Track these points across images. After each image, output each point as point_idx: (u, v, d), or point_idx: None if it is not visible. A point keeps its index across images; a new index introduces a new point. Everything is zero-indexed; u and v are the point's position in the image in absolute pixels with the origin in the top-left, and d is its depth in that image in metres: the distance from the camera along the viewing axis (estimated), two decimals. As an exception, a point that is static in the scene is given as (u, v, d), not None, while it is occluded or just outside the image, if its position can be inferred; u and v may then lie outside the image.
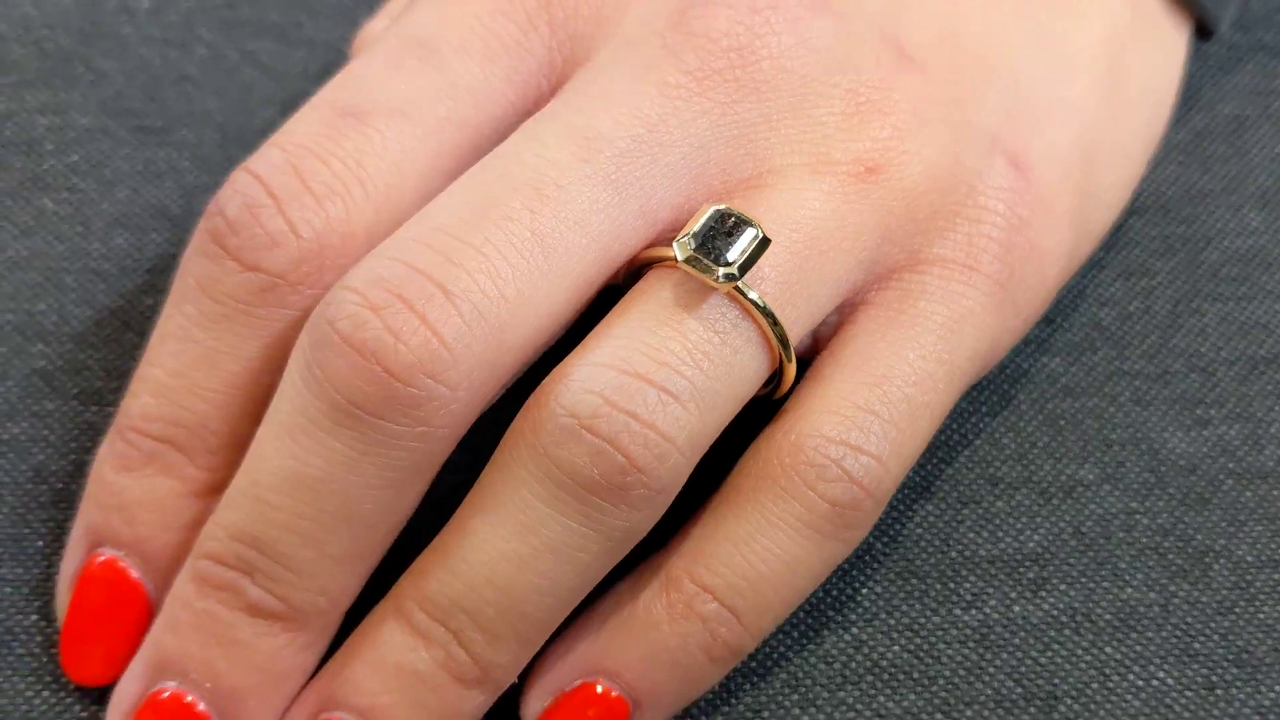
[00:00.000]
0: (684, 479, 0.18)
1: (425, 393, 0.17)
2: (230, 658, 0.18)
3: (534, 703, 0.19)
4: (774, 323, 0.18)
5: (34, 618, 0.20)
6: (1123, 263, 0.25)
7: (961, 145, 0.20)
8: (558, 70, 0.20)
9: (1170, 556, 0.22)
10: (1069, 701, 0.21)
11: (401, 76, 0.19)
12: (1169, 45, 0.24)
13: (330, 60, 0.27)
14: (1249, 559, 0.22)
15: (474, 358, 0.17)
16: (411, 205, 0.19)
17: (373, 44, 0.20)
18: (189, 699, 0.18)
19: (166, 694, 0.18)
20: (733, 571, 0.19)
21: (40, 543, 0.21)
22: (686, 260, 0.17)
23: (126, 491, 0.19)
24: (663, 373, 0.17)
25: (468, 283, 0.17)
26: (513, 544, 0.18)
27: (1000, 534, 0.22)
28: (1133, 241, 0.26)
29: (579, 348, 0.18)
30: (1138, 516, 0.23)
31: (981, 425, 0.23)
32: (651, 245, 0.19)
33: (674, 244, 0.18)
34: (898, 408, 0.19)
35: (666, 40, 0.19)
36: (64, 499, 0.21)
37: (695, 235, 0.18)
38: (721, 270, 0.17)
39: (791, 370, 0.19)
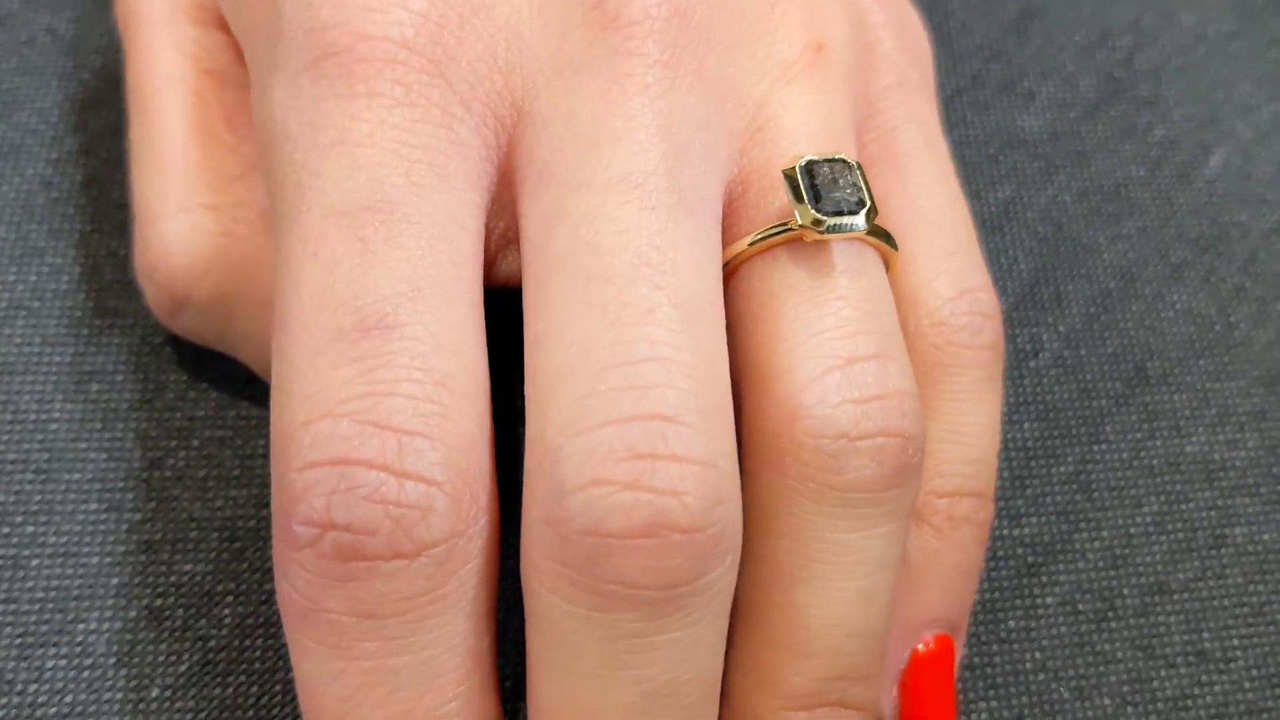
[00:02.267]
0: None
1: (722, 522, 0.15)
2: None
3: (884, 699, 0.19)
4: (877, 229, 0.17)
5: None
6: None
7: (841, -16, 0.20)
8: (493, 147, 0.17)
9: (1101, 206, 0.25)
10: (1151, 362, 0.23)
11: (382, 255, 0.15)
12: None
13: (63, 310, 0.21)
14: (1142, 173, 0.25)
15: (728, 457, 0.15)
16: (481, 356, 0.16)
17: (300, 245, 0.16)
18: None
19: None
20: (961, 461, 0.19)
21: None
22: (829, 229, 0.16)
23: None
24: (862, 342, 0.16)
25: (676, 395, 0.15)
26: (849, 587, 0.16)
27: (1003, 281, 0.24)
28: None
29: (767, 375, 0.16)
30: (1061, 196, 0.25)
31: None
32: (726, 244, 0.17)
33: (802, 223, 0.16)
34: (963, 234, 0.19)
35: (611, 45, 0.16)
36: None
37: (811, 202, 0.16)
38: (864, 214, 0.16)
39: (898, 255, 0.18)
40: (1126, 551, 0.21)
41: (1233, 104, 0.26)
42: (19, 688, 0.18)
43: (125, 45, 0.20)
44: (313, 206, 0.16)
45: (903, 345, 0.17)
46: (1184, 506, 0.22)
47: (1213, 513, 0.22)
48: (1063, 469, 0.22)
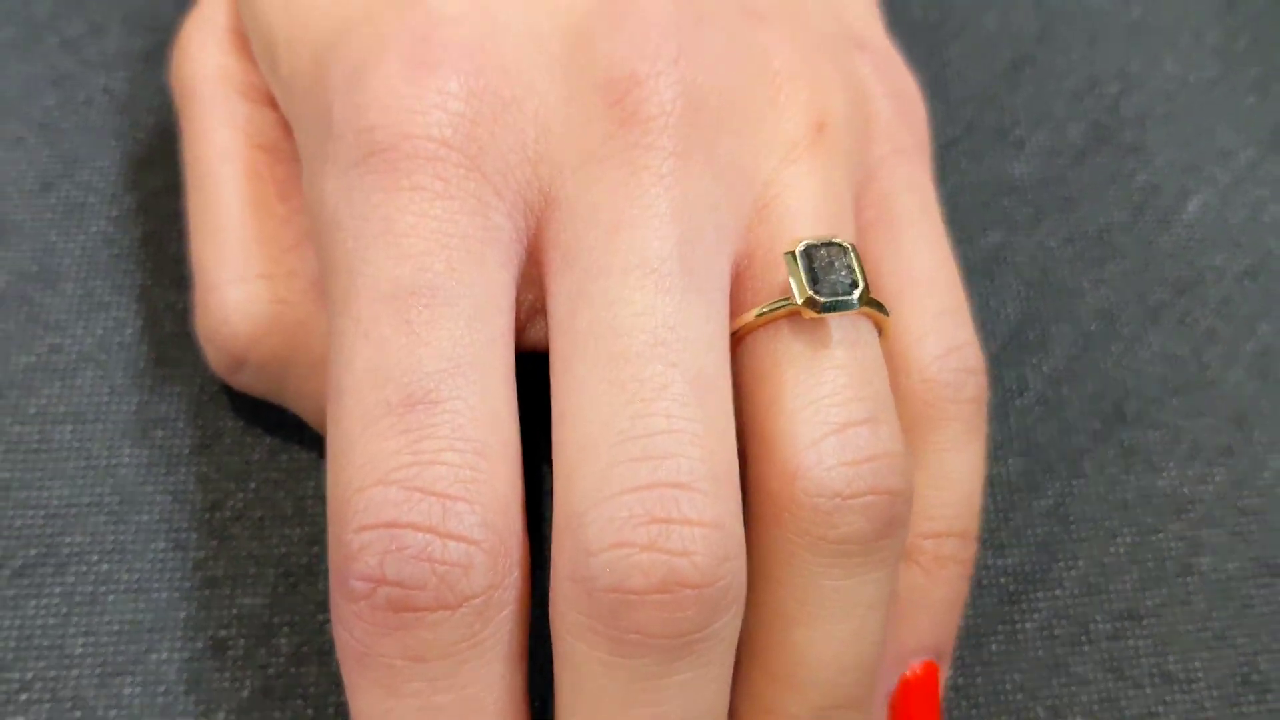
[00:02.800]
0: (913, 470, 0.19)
1: (730, 575, 0.17)
2: None
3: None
4: (870, 300, 0.19)
5: None
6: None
7: (837, 59, 0.21)
8: (524, 230, 0.19)
9: (1090, 254, 0.26)
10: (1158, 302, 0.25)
11: (424, 336, 0.17)
12: None
13: (127, 362, 0.23)
14: (1125, 218, 0.27)
15: (734, 518, 0.17)
16: (517, 433, 0.18)
17: (353, 326, 0.17)
18: None
19: None
20: (947, 507, 0.20)
21: None
22: (823, 308, 0.18)
23: None
24: (855, 409, 0.18)
25: (688, 464, 0.17)
26: (842, 627, 0.18)
27: (991, 325, 0.25)
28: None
29: (769, 439, 0.18)
30: (1048, 242, 0.26)
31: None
32: (733, 314, 0.19)
33: (800, 303, 0.18)
34: (951, 295, 0.21)
35: (629, 139, 0.18)
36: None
37: (809, 283, 0.18)
38: (857, 295, 0.18)
39: (890, 323, 0.20)
40: (1100, 580, 0.23)
41: (1212, 149, 0.28)
42: (99, 713, 0.20)
43: (181, 117, 0.22)
44: (363, 291, 0.18)
45: (893, 408, 0.19)
46: (1155, 538, 0.24)
47: (1181, 544, 0.23)
48: (1043, 503, 0.24)
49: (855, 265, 0.19)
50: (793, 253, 0.18)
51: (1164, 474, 0.24)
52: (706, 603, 0.17)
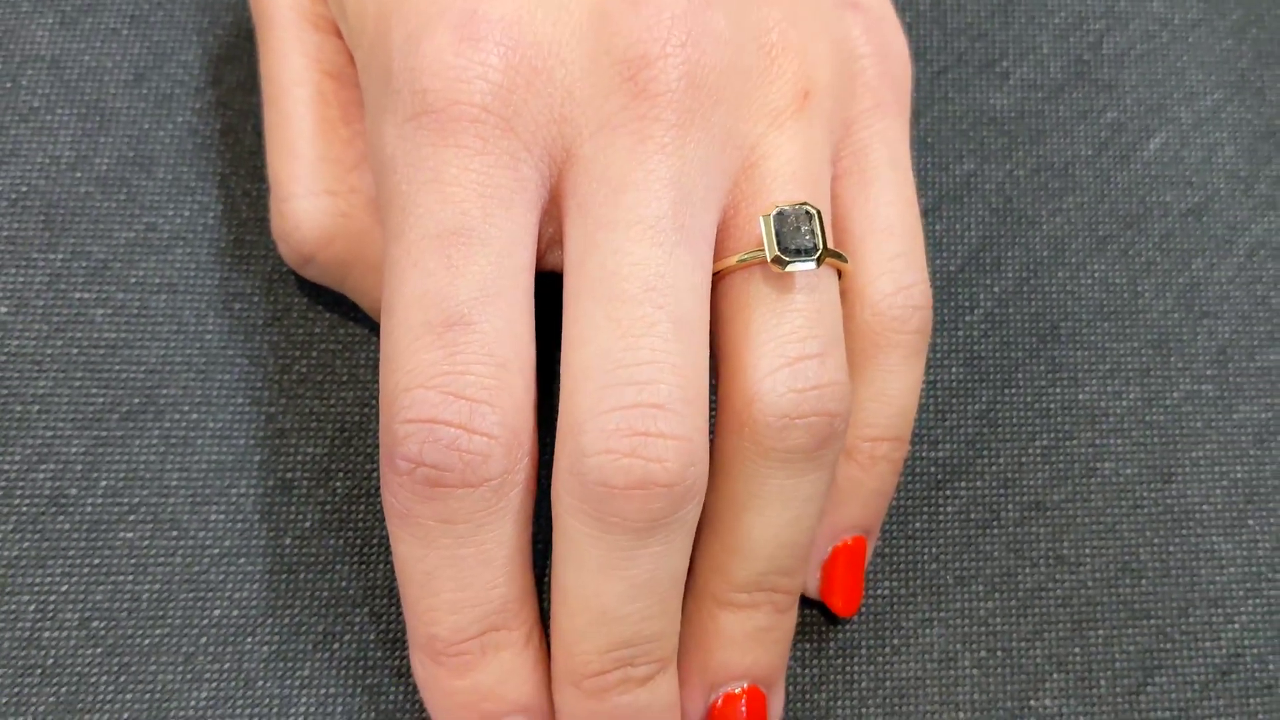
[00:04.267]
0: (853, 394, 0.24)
1: (693, 478, 0.21)
2: (648, 715, 0.23)
3: (810, 581, 0.26)
4: (833, 253, 0.23)
5: None
6: None
7: (828, 25, 0.24)
8: (547, 177, 0.22)
9: (1050, 183, 0.30)
10: (1065, 324, 0.29)
11: (463, 271, 0.21)
12: None
13: (212, 241, 0.27)
14: (1088, 152, 0.30)
15: (699, 432, 0.22)
16: (530, 340, 0.22)
17: (405, 255, 0.22)
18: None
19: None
20: (885, 417, 0.25)
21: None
22: (788, 265, 0.22)
23: (481, 684, 0.23)
24: (808, 345, 0.22)
25: (666, 390, 0.21)
26: (784, 514, 0.23)
27: (954, 247, 0.29)
28: None
29: (738, 365, 0.22)
30: (1015, 172, 0.30)
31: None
32: (716, 258, 0.23)
33: (769, 260, 0.22)
34: (908, 239, 0.25)
35: (639, 111, 0.22)
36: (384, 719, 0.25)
37: (774, 243, 0.22)
38: (816, 256, 0.22)
39: (850, 268, 0.24)
40: (1015, 475, 0.28)
41: (1181, 91, 0.31)
42: (191, 534, 0.25)
43: (259, 39, 0.25)
44: (414, 228, 0.22)
45: (841, 343, 0.23)
46: (1068, 443, 0.28)
47: (1090, 449, 0.28)
48: (976, 406, 0.28)
49: (818, 229, 0.22)
50: (767, 216, 0.22)
51: (1085, 388, 0.28)
52: (673, 497, 0.21)
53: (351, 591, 0.25)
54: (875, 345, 0.24)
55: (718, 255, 0.23)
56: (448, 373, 0.21)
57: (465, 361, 0.21)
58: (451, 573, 0.22)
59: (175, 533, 0.25)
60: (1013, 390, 0.28)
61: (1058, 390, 0.28)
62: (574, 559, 0.22)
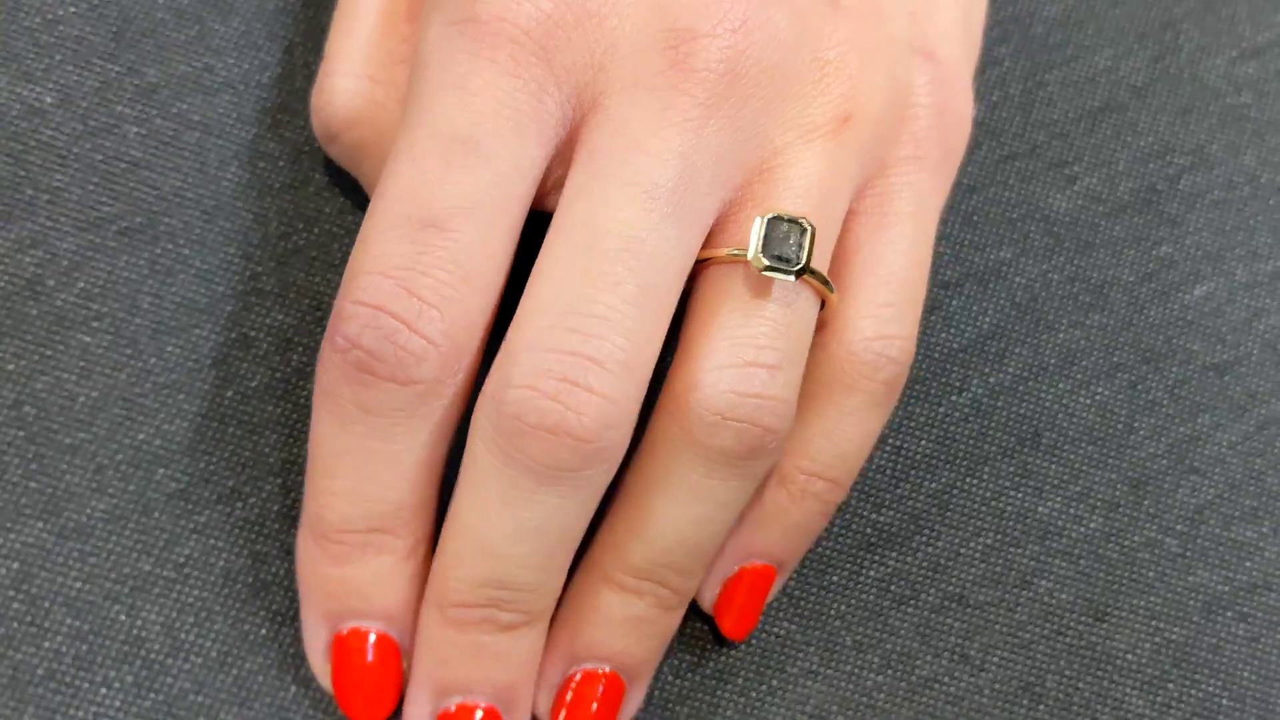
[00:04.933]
0: (794, 417, 0.23)
1: (607, 441, 0.21)
2: (501, 666, 0.23)
3: (708, 593, 0.25)
4: (820, 277, 0.23)
5: (291, 689, 0.24)
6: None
7: (893, 63, 0.24)
8: (569, 119, 0.23)
9: (1080, 297, 0.29)
10: (1047, 434, 0.28)
11: (457, 177, 0.22)
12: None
13: (257, 97, 0.28)
14: (1131, 278, 0.29)
15: (630, 398, 0.22)
16: (501, 272, 0.22)
17: (408, 148, 0.22)
18: (472, 704, 0.23)
19: (454, 706, 0.23)
20: (828, 455, 0.24)
21: (262, 630, 0.25)
22: (766, 269, 0.22)
23: (352, 579, 0.23)
24: (764, 354, 0.22)
25: (609, 346, 0.21)
26: (691, 510, 0.23)
27: (963, 326, 0.29)
28: (977, 37, 0.31)
29: (691, 353, 0.22)
30: (1050, 275, 0.29)
31: (922, 243, 0.29)
32: (704, 246, 0.23)
33: (750, 260, 0.22)
34: (907, 292, 0.25)
35: (672, 80, 0.22)
36: (260, 589, 0.25)
37: (760, 247, 0.22)
38: (796, 269, 0.22)
39: (835, 299, 0.24)
40: (948, 563, 0.27)
41: (1245, 248, 0.30)
42: (143, 357, 0.26)
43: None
44: (426, 124, 0.22)
45: (798, 364, 0.23)
46: (1012, 550, 0.27)
47: (1032, 563, 0.27)
48: (933, 485, 0.28)
49: (806, 246, 0.22)
50: (762, 218, 0.22)
51: (1048, 502, 0.28)
52: (582, 453, 0.21)
53: (271, 459, 0.25)
54: (840, 383, 0.24)
55: (709, 245, 0.23)
56: (409, 269, 0.21)
57: (429, 264, 0.22)
58: (356, 461, 0.22)
59: (130, 351, 0.26)
60: (974, 481, 0.28)
61: (1019, 495, 0.28)
62: (473, 485, 0.22)
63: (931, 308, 0.29)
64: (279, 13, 0.28)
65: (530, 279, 0.22)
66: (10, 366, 0.25)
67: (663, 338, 0.22)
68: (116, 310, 0.26)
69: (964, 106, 0.26)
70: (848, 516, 0.27)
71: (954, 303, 0.29)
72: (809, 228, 0.22)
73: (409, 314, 0.21)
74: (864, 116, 0.24)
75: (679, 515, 0.23)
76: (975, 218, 0.30)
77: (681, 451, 0.22)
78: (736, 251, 0.22)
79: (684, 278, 0.22)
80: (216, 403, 0.26)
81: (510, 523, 0.22)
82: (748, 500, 0.24)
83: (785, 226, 0.22)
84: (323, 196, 0.27)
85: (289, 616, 0.25)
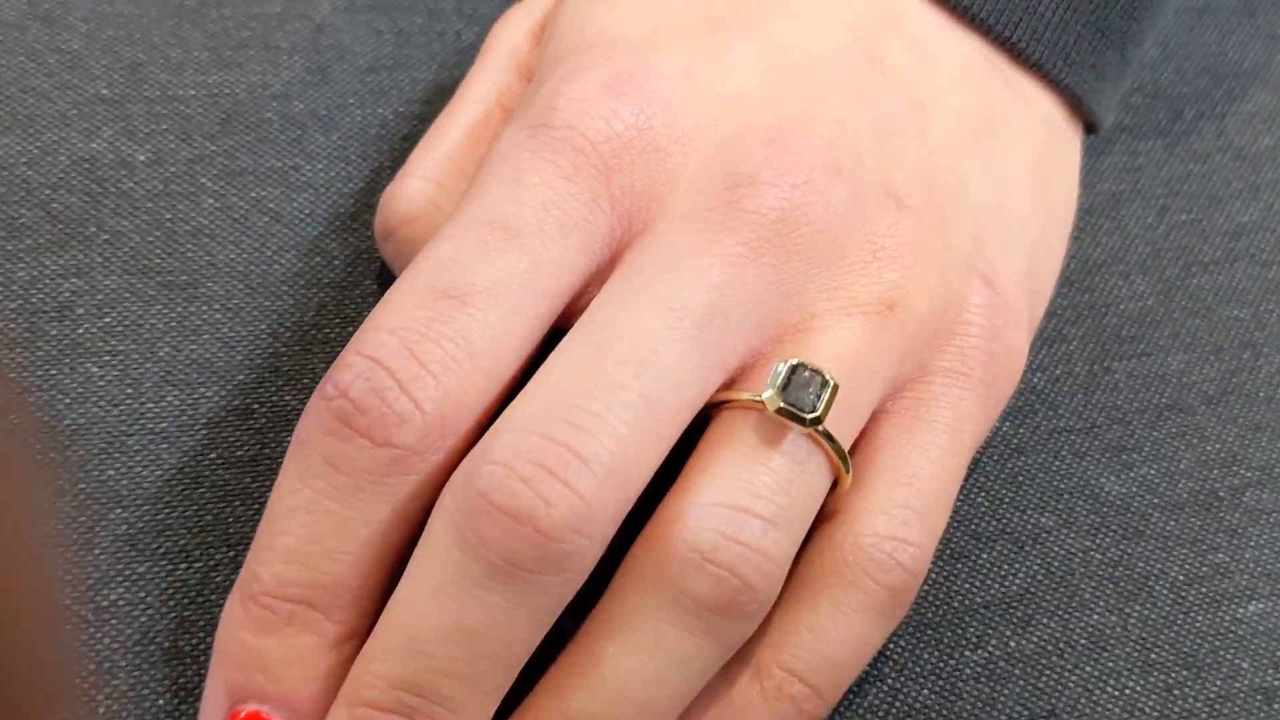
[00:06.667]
0: (781, 585, 0.21)
1: (572, 545, 0.20)
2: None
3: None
4: (836, 446, 0.22)
5: (172, 775, 0.22)
6: (1043, 332, 0.30)
7: (949, 273, 0.24)
8: (617, 239, 0.23)
9: (1122, 584, 0.27)
10: (1065, 717, 0.25)
11: (491, 259, 0.22)
12: (1073, 151, 0.28)
13: (333, 202, 0.28)
14: (1180, 578, 0.27)
15: (608, 510, 0.20)
16: (511, 367, 0.21)
17: (453, 228, 0.22)
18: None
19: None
20: (814, 656, 0.22)
21: (161, 700, 0.22)
22: (779, 412, 0.21)
23: (268, 652, 0.21)
24: (760, 504, 0.21)
25: (597, 447, 0.20)
26: (647, 665, 0.21)
27: (989, 581, 0.27)
28: (1048, 313, 0.30)
29: (685, 486, 0.21)
30: (1092, 553, 0.27)
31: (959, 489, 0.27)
32: (722, 388, 0.22)
33: (764, 399, 0.21)
34: (929, 500, 0.23)
35: (723, 218, 0.22)
36: (174, 657, 0.23)
37: (779, 389, 0.21)
38: (809, 417, 0.21)
39: (848, 480, 0.22)
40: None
41: (1308, 578, 0.28)
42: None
43: (476, 61, 0.28)
44: (472, 210, 0.22)
45: (797, 527, 0.21)
46: (1006, 836, 0.24)
47: None
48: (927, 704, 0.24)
49: (826, 398, 0.21)
50: (785, 362, 0.21)
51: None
52: (541, 550, 0.20)
53: (231, 530, 0.24)
54: (840, 576, 0.22)
55: (728, 389, 0.22)
56: (419, 333, 0.21)
57: (440, 332, 0.21)
58: (306, 519, 0.21)
59: (131, 391, 0.25)
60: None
61: (1024, 778, 0.24)
62: (419, 566, 0.20)
63: (958, 555, 0.27)
64: (378, 138, 0.30)
65: (537, 372, 0.21)
66: (11, 374, 0.25)
67: (657, 463, 0.21)
68: (132, 350, 0.26)
69: (1017, 344, 0.25)
70: (825, 750, 0.24)
71: (983, 556, 0.27)
72: (832, 382, 0.21)
73: (405, 374, 0.21)
74: (911, 309, 0.23)
75: (632, 667, 0.21)
76: (1020, 479, 0.28)
77: (650, 589, 0.21)
78: (755, 397, 0.21)
79: (694, 407, 0.21)
80: (197, 462, 0.25)
81: (447, 616, 0.20)
82: (709, 673, 0.21)
83: (808, 375, 0.21)
84: (366, 300, 0.27)
85: (193, 693, 0.23)
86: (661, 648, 0.20)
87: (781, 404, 0.21)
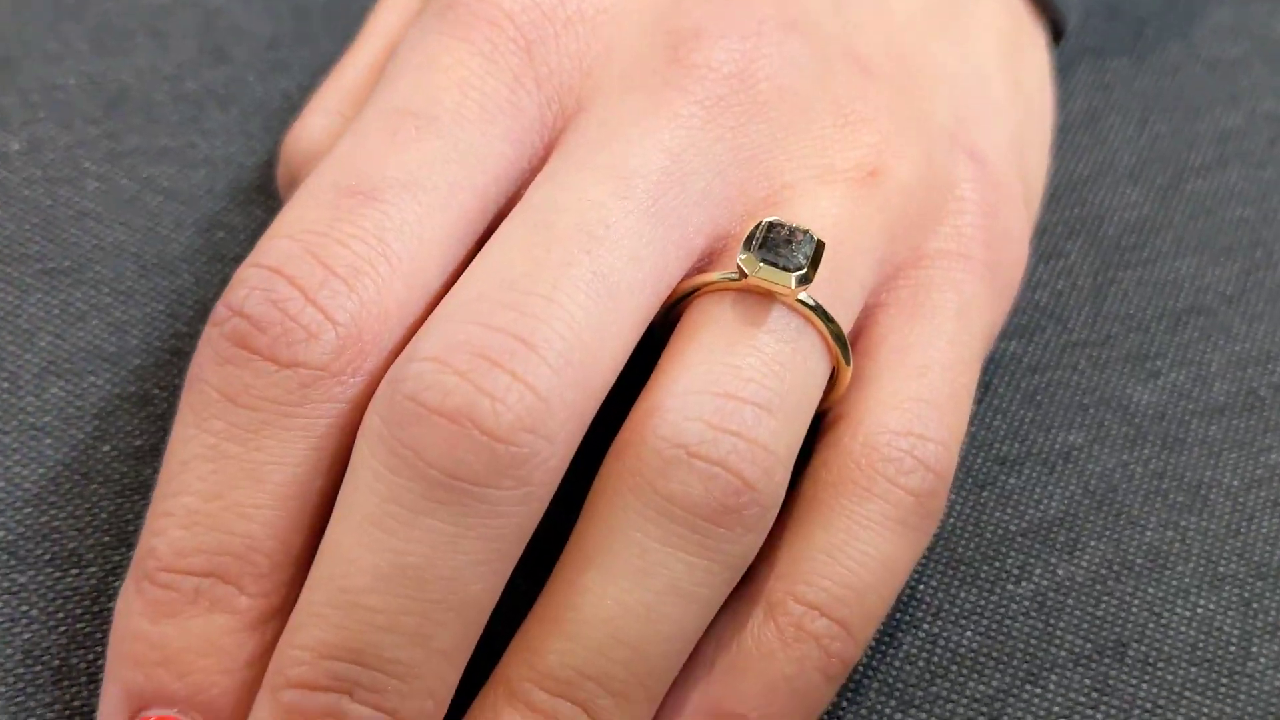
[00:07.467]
0: (784, 491, 0.18)
1: (529, 449, 0.16)
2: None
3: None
4: (830, 324, 0.18)
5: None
6: (1038, 249, 0.27)
7: (931, 144, 0.21)
8: (549, 125, 0.19)
9: (1171, 496, 0.23)
10: (1136, 645, 0.21)
11: (402, 149, 0.18)
12: (1041, 48, 0.26)
13: (234, 176, 0.25)
14: (1235, 483, 0.24)
15: (568, 406, 0.17)
16: (438, 275, 0.18)
17: (358, 123, 0.19)
18: None
19: None
20: (835, 583, 0.18)
21: (50, 731, 0.18)
22: (760, 278, 0.17)
23: (170, 641, 0.17)
24: (750, 388, 0.17)
25: (547, 332, 0.17)
26: (634, 594, 0.17)
27: (1024, 507, 0.23)
28: (1041, 229, 0.28)
29: (658, 380, 0.18)
30: (1132, 467, 0.24)
31: (972, 412, 0.24)
32: (689, 275, 0.19)
33: (740, 260, 0.18)
34: (944, 392, 0.20)
35: (666, 76, 0.19)
36: (64, 675, 0.19)
37: (756, 249, 0.18)
38: (795, 274, 0.17)
39: (848, 372, 0.19)
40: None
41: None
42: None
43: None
44: (380, 100, 0.19)
45: (795, 420, 0.18)
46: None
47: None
48: (980, 688, 0.21)
49: (813, 256, 0.18)
50: (760, 221, 0.18)
51: (1138, 733, 0.20)
52: (492, 458, 0.16)
53: (130, 528, 0.20)
54: (854, 484, 0.19)
55: (697, 273, 0.19)
56: (323, 234, 0.18)
57: (349, 233, 0.18)
58: (206, 471, 0.17)
59: (7, 386, 0.22)
60: (1036, 690, 0.21)
61: (1098, 715, 0.20)
62: (345, 503, 0.17)
63: (983, 483, 0.23)
64: (281, 110, 0.27)
65: (471, 264, 0.18)
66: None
67: (621, 355, 0.17)
68: (8, 343, 0.22)
69: (1017, 227, 0.22)
70: (864, 711, 0.20)
71: (1011, 481, 0.23)
72: (819, 240, 0.18)
73: (310, 281, 0.17)
74: (894, 178, 0.20)
75: (613, 596, 0.17)
76: (1039, 397, 0.25)
77: (627, 501, 0.17)
78: (729, 275, 0.18)
79: (657, 292, 0.18)
80: (86, 456, 0.21)
81: (383, 556, 0.16)
82: (712, 604, 0.17)
83: (788, 231, 0.18)
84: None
85: (88, 718, 0.18)
86: (649, 572, 0.17)
87: (761, 263, 0.18)
